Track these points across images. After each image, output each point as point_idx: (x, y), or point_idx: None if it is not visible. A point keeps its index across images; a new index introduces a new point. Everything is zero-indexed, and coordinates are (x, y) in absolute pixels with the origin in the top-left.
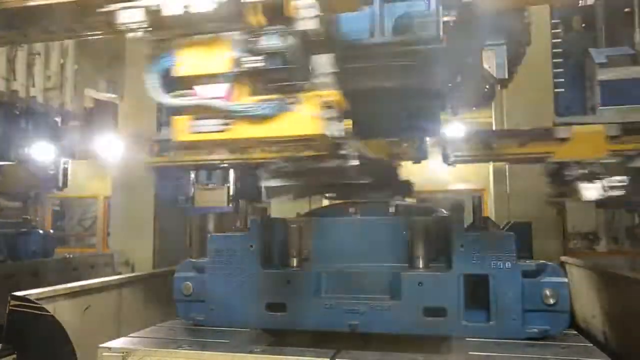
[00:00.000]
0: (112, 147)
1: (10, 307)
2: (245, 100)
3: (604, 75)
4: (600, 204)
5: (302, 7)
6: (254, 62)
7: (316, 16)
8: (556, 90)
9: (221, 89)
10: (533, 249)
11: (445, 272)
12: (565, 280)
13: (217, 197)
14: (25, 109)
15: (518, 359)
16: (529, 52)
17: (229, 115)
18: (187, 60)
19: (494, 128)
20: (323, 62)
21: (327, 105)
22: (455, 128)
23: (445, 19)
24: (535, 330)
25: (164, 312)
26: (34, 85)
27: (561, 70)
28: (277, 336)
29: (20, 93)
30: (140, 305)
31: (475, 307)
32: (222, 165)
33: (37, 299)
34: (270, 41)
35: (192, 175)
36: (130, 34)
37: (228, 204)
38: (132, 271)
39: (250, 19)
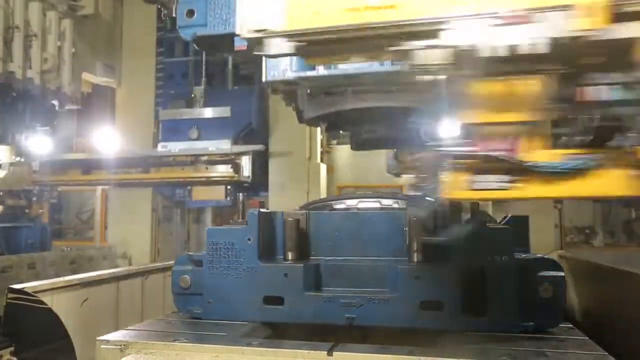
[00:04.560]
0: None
1: (8, 300)
2: (539, 155)
3: None
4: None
5: None
6: (565, 111)
7: None
8: None
9: (509, 140)
10: (530, 242)
11: (442, 265)
12: (562, 274)
13: (215, 190)
14: (22, 91)
15: (514, 352)
16: None
17: (513, 171)
18: (482, 106)
19: None
20: None
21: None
22: None
23: None
24: (532, 323)
25: (161, 306)
26: (30, 67)
27: None
28: (275, 329)
29: (17, 74)
30: (138, 298)
31: (471, 300)
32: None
33: (35, 292)
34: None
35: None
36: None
37: (226, 198)
38: (130, 264)
39: (585, 60)
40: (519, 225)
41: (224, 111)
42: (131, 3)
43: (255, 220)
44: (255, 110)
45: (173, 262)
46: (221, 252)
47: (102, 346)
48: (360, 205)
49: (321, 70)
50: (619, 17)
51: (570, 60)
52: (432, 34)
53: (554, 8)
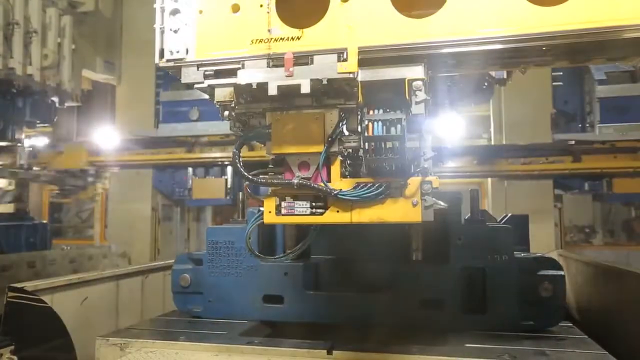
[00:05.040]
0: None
1: (8, 299)
2: (341, 183)
3: (603, 92)
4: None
5: (416, 88)
6: (355, 143)
7: (424, 100)
8: (555, 83)
9: (314, 169)
10: (530, 241)
11: (442, 264)
12: (562, 273)
13: (215, 189)
14: (22, 88)
15: (514, 351)
16: None
17: (321, 198)
18: (283, 138)
19: (491, 121)
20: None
21: (426, 192)
22: None
23: None
24: (532, 322)
25: (161, 304)
26: (30, 64)
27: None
28: (275, 328)
29: (17, 70)
30: (138, 297)
31: (471, 299)
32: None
33: (35, 291)
34: (378, 127)
35: (190, 168)
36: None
37: (226, 196)
38: (130, 263)
39: (355, 98)
40: (519, 225)
41: None
42: None
43: (255, 219)
44: None
45: (173, 261)
46: (221, 251)
47: (102, 345)
48: None
49: None
50: (362, 62)
51: (348, 96)
52: (232, 72)
53: (325, 52)
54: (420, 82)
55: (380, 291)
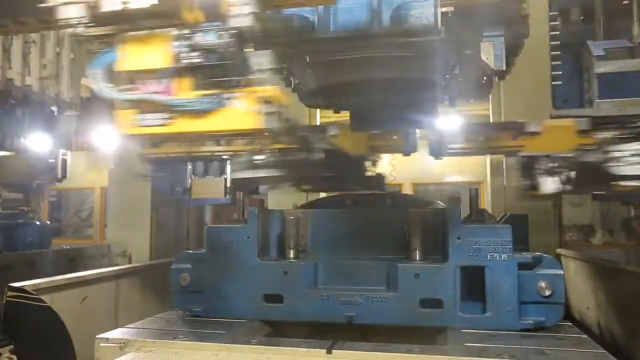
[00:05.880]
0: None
1: (7, 298)
2: (185, 95)
3: (601, 68)
4: (596, 196)
5: (235, 4)
6: (192, 57)
7: (250, 13)
8: (554, 82)
9: (162, 83)
10: (529, 241)
11: (441, 263)
12: (561, 272)
13: (214, 188)
14: (21, 98)
15: (513, 350)
16: (527, 44)
17: (170, 110)
18: (129, 56)
19: (491, 120)
20: (261, 59)
21: (265, 101)
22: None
23: (444, 9)
24: (531, 321)
25: (161, 304)
26: (29, 74)
27: (559, 62)
28: (274, 327)
29: (16, 81)
30: (138, 297)
31: (471, 298)
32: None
33: (34, 290)
34: (207, 37)
35: (189, 167)
36: (70, 29)
37: (225, 196)
38: (129, 262)
39: (187, 15)
40: (518, 224)
41: None
42: None
43: (254, 218)
44: None
45: (172, 260)
46: (221, 250)
47: (102, 344)
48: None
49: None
50: None
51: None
52: None
53: None
54: None
55: (380, 290)
